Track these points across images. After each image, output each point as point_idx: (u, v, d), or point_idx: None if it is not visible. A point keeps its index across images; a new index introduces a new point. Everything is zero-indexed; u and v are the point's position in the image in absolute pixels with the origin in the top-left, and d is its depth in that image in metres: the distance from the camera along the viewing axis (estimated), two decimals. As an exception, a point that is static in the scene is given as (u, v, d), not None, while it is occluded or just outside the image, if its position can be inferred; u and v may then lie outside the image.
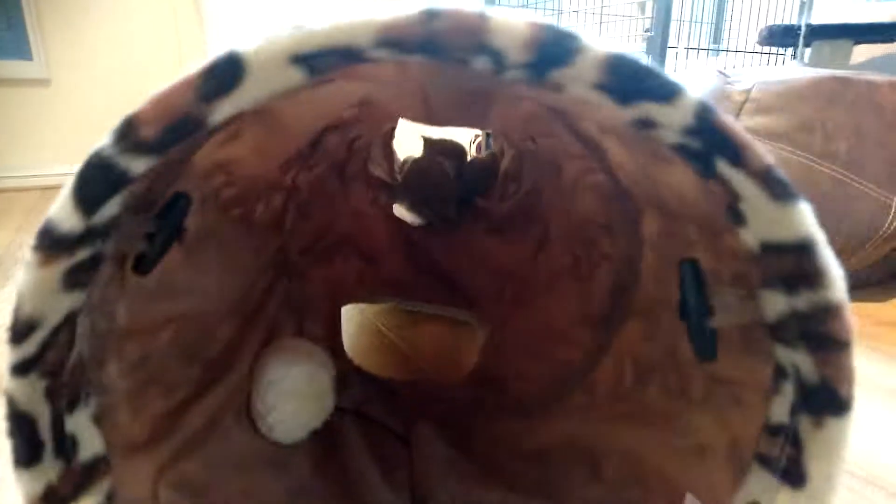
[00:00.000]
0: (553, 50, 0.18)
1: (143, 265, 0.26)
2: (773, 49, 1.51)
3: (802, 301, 0.21)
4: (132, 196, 0.23)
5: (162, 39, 1.76)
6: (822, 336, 0.21)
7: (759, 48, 1.53)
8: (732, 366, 0.27)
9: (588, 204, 0.42)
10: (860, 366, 0.66)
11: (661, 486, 0.30)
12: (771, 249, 0.21)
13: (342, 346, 0.58)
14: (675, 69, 1.44)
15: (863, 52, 1.29)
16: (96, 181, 0.19)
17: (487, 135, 1.60)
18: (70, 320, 0.22)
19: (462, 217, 1.21)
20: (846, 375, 0.21)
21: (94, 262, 0.22)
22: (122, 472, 0.26)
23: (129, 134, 0.19)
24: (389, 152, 1.39)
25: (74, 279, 0.21)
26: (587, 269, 0.50)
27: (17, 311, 0.20)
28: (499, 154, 1.30)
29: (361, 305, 0.81)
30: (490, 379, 0.55)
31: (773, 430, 0.24)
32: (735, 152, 0.19)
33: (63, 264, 0.20)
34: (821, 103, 0.75)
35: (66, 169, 1.66)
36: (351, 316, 0.79)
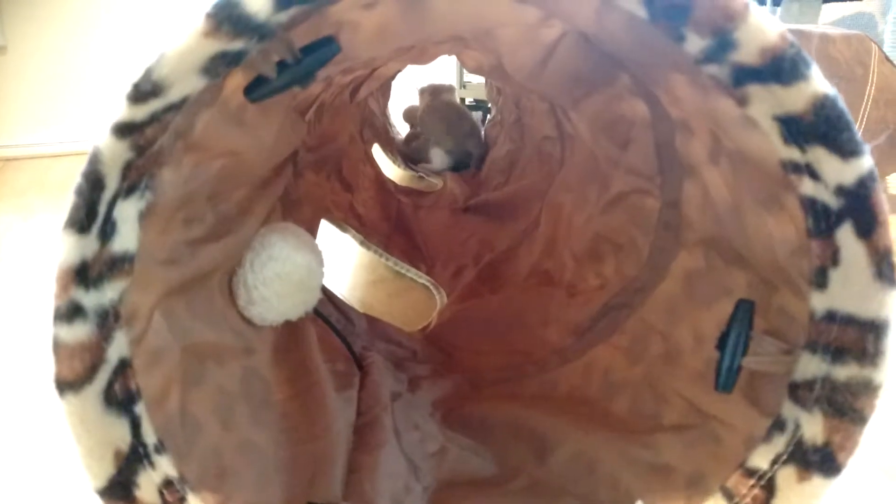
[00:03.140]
0: (784, 66, 0.19)
1: (257, 92, 0.24)
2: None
3: (845, 372, 0.23)
4: (295, 15, 0.21)
5: (119, 5, 1.65)
6: (851, 408, 0.23)
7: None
8: (726, 407, 0.29)
9: (615, 222, 0.44)
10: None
11: (610, 488, 0.32)
12: (837, 319, 0.23)
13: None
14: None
15: (833, 12, 1.36)
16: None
17: (462, 100, 1.61)
18: (181, 104, 0.21)
19: (430, 179, 1.20)
20: (851, 446, 0.23)
21: (237, 59, 0.20)
22: (138, 280, 0.24)
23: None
24: (387, 92, 1.36)
25: (214, 65, 0.20)
26: (570, 281, 0.52)
27: (151, 69, 0.19)
28: (492, 141, 1.31)
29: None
30: (442, 343, 0.55)
31: (749, 472, 0.27)
32: (869, 226, 0.21)
33: (221, 44, 0.19)
34: None
35: (27, 140, 1.52)
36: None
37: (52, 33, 1.54)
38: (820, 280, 0.23)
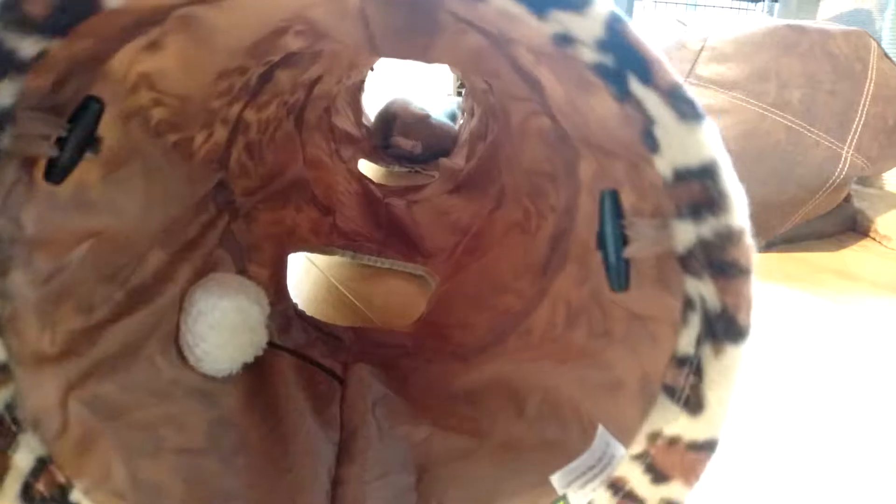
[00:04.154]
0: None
1: (53, 173, 0.24)
2: (746, 5, 1.54)
3: (707, 228, 0.21)
4: (34, 91, 0.22)
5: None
6: (724, 263, 0.21)
7: (733, 4, 1.55)
8: (647, 301, 0.27)
9: (535, 152, 0.42)
10: (800, 310, 0.70)
11: (575, 420, 0.31)
12: (682, 177, 0.21)
13: (286, 289, 0.57)
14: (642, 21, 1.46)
15: (831, 8, 1.31)
16: (-19, 60, 0.18)
17: (459, 94, 1.58)
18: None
19: (428, 173, 1.20)
20: (745, 303, 0.21)
21: (-13, 155, 0.21)
22: (26, 383, 0.25)
23: (12, 8, 0.18)
24: (357, 106, 1.36)
25: (-36, 170, 0.20)
26: (535, 222, 0.50)
27: None
28: (469, 113, 1.29)
29: (313, 257, 0.80)
30: (433, 327, 0.55)
31: (680, 361, 0.25)
32: (644, 68, 0.19)
33: (-53, 151, 0.19)
34: (775, 52, 0.75)
35: None
36: (300, 265, 0.79)
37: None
38: (651, 142, 0.21)
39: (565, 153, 0.36)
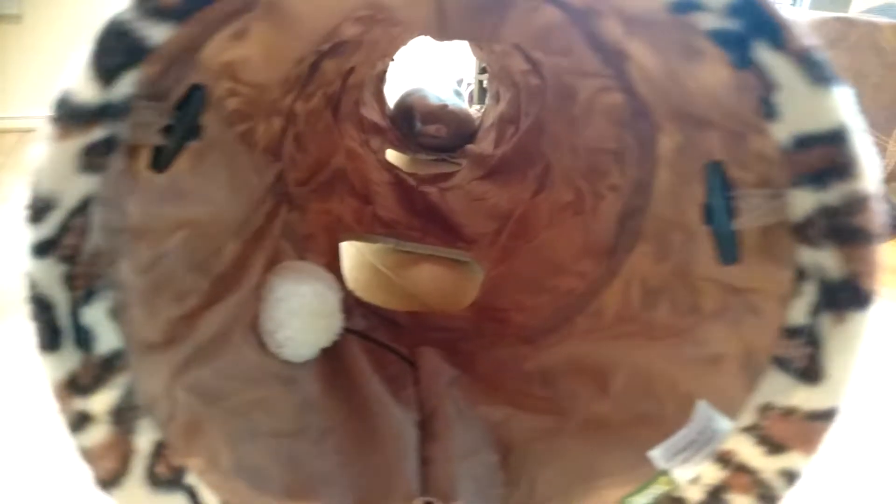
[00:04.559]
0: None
1: (159, 161, 0.25)
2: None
3: (833, 195, 0.21)
4: (147, 79, 0.22)
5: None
6: (851, 229, 0.21)
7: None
8: (750, 274, 0.27)
9: (599, 129, 0.42)
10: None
11: (672, 396, 0.31)
12: (804, 143, 0.21)
13: (342, 277, 0.58)
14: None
15: (863, 2, 1.28)
16: (114, 49, 0.18)
17: (480, 83, 1.57)
18: (85, 206, 0.22)
19: (454, 160, 1.20)
20: (871, 269, 0.21)
21: (108, 146, 0.21)
22: (140, 370, 0.26)
23: (150, -3, 0.18)
24: (381, 97, 1.36)
25: (89, 160, 0.21)
26: (591, 203, 0.50)
27: (34, 187, 0.20)
28: (494, 98, 1.28)
29: (358, 244, 0.80)
30: (489, 311, 0.55)
31: (791, 333, 0.24)
32: (776, 32, 0.18)
33: (79, 140, 0.20)
34: (824, 44, 0.74)
35: (43, 112, 1.57)
36: (349, 254, 0.79)
37: (70, 1, 1.49)
38: (769, 110, 0.21)
39: (639, 129, 0.35)
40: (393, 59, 1.19)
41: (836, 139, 0.20)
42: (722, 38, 0.20)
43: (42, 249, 0.21)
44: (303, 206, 0.58)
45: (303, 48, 0.35)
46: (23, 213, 0.20)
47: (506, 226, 0.72)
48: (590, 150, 0.46)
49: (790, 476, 0.24)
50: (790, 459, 0.24)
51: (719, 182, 0.24)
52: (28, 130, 1.43)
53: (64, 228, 0.21)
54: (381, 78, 1.34)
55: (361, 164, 0.92)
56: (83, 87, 0.18)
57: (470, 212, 0.89)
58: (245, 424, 0.32)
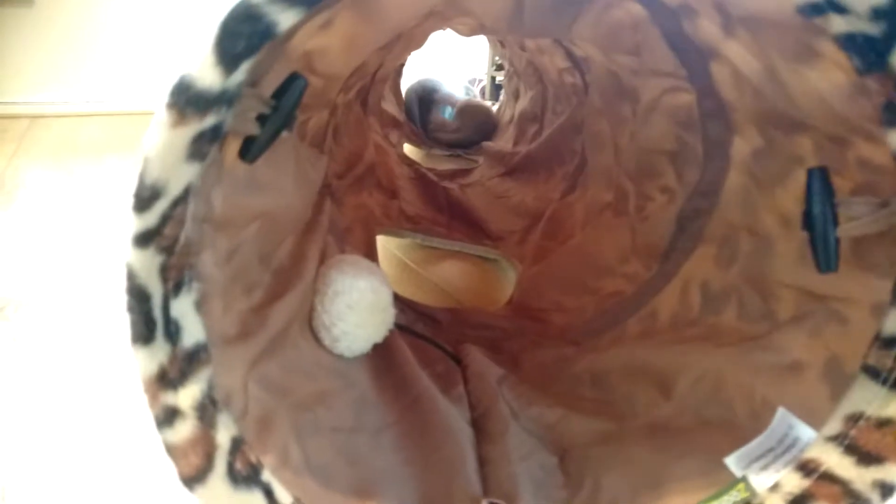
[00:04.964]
0: None
1: (251, 151, 0.24)
2: None
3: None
4: (256, 66, 0.21)
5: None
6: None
7: None
8: (840, 282, 0.27)
9: (659, 130, 0.41)
10: None
11: (744, 402, 0.30)
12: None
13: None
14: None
15: None
16: (242, 33, 0.18)
17: (493, 79, 1.56)
18: (186, 195, 0.21)
19: (470, 157, 1.19)
20: None
21: (215, 134, 0.20)
22: (219, 363, 0.25)
23: (283, -20, 0.17)
24: (398, 90, 1.35)
25: (197, 148, 0.20)
26: (636, 204, 0.50)
27: (143, 175, 0.19)
28: (513, 96, 1.27)
29: (383, 239, 0.80)
30: (528, 311, 0.55)
31: (888, 342, 0.24)
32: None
33: (193, 128, 0.19)
34: None
35: (53, 97, 1.52)
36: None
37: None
38: (890, 116, 0.21)
39: (711, 130, 0.35)
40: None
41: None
42: (853, 42, 0.19)
43: (145, 239, 0.20)
44: (341, 200, 0.57)
45: (380, 41, 0.34)
46: (128, 201, 0.19)
47: (536, 224, 0.71)
48: (642, 150, 0.45)
49: (886, 488, 0.24)
50: (886, 471, 0.24)
51: (821, 188, 0.24)
52: (39, 116, 1.40)
53: (166, 218, 0.20)
54: (399, 72, 1.33)
55: (386, 158, 0.91)
56: (206, 73, 0.18)
57: (493, 209, 0.89)
58: (309, 419, 0.31)
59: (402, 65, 1.33)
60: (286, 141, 0.32)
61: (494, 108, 1.37)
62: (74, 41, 1.51)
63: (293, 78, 0.24)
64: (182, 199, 0.21)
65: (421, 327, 0.51)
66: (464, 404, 0.39)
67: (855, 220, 0.24)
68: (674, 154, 0.41)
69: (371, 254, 0.58)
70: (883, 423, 0.24)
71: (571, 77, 0.66)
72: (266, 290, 0.33)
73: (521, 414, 0.38)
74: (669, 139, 0.41)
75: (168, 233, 0.21)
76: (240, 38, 0.18)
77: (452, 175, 1.06)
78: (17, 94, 1.51)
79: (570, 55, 0.59)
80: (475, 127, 1.25)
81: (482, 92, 1.55)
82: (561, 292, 0.54)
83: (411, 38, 0.68)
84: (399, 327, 0.44)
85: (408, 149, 1.22)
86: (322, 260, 0.42)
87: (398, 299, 0.56)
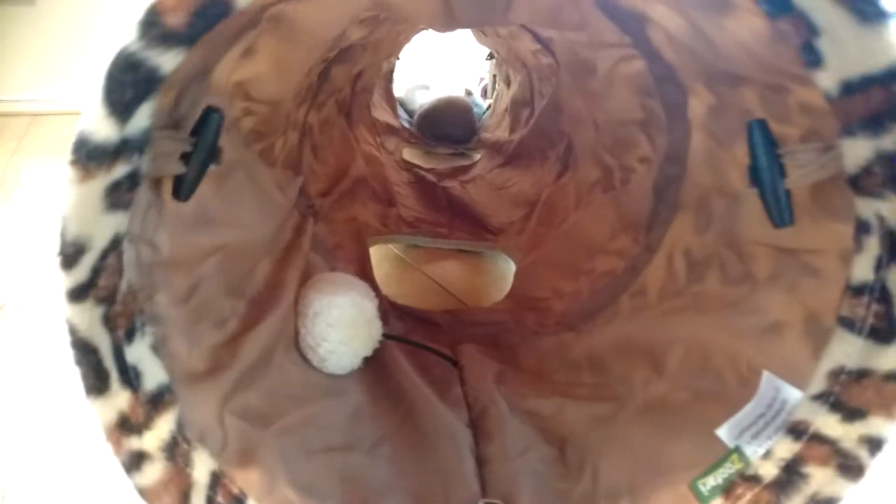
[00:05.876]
0: None
1: (181, 190, 0.24)
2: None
3: (891, 139, 0.19)
4: (162, 109, 0.22)
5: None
6: (918, 173, 0.19)
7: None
8: (804, 234, 0.26)
9: (622, 101, 0.40)
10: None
11: (732, 370, 0.29)
12: (854, 88, 0.19)
13: (375, 282, 0.57)
14: None
15: None
16: (126, 82, 0.18)
17: (494, 77, 1.55)
18: (116, 245, 0.21)
19: (475, 150, 1.18)
20: (944, 214, 0.19)
21: (132, 182, 0.21)
22: (188, 401, 0.26)
23: (154, 24, 0.17)
24: (391, 97, 1.35)
25: (115, 199, 0.20)
26: (621, 177, 0.49)
27: (63, 233, 0.19)
28: (504, 82, 1.26)
29: (386, 246, 0.80)
30: (527, 300, 0.54)
31: (857, 290, 0.23)
32: (820, -29, 0.17)
33: (102, 181, 0.19)
34: None
35: (54, 95, 1.41)
36: (376, 253, 0.79)
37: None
38: (811, 57, 0.20)
39: (667, 94, 0.34)
40: (398, 59, 1.17)
41: (891, 79, 0.18)
42: (754, -14, 0.18)
43: (78, 294, 0.20)
44: (328, 217, 0.58)
45: (312, 58, 0.34)
46: (55, 259, 0.20)
47: (532, 212, 0.70)
48: (614, 122, 0.44)
49: (874, 443, 0.22)
50: (871, 425, 0.22)
51: (763, 141, 0.23)
52: (40, 114, 1.37)
53: (97, 270, 0.21)
54: (388, 78, 1.33)
55: (380, 168, 0.91)
56: (100, 126, 0.18)
57: (494, 201, 0.88)
58: (298, 443, 0.31)
59: (391, 71, 1.33)
60: (237, 171, 0.32)
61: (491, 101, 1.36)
62: (75, 39, 1.49)
63: (208, 112, 0.24)
64: (112, 249, 0.21)
65: (420, 333, 0.51)
66: (461, 406, 0.39)
67: (802, 168, 0.23)
68: (643, 122, 0.40)
69: (365, 266, 0.58)
70: (863, 375, 0.23)
71: (546, 58, 0.65)
72: (240, 319, 0.33)
73: (518, 408, 0.38)
74: (635, 108, 0.40)
75: (103, 283, 0.21)
76: (126, 87, 0.18)
77: (454, 173, 1.05)
78: (17, 91, 1.49)
79: (536, 37, 0.59)
80: (435, 137, 1.21)
81: (484, 89, 1.54)
82: (558, 277, 0.53)
83: (377, 47, 0.68)
84: (392, 338, 0.44)
85: (409, 153, 1.22)
86: (306, 280, 0.43)
87: (396, 308, 0.56)
